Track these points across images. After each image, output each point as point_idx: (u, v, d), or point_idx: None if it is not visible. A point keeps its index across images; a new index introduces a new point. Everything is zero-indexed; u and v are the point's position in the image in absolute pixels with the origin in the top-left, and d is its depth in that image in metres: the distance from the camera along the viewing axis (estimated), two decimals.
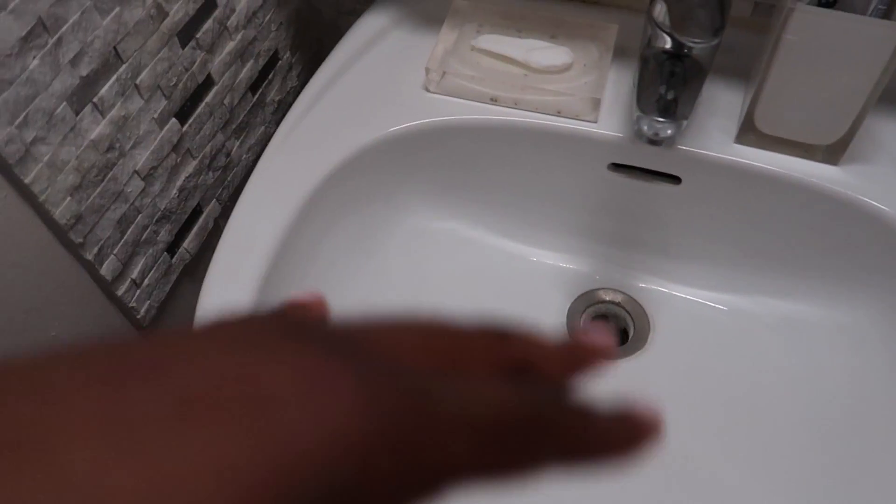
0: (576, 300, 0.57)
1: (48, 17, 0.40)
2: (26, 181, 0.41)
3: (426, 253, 0.57)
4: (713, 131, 0.50)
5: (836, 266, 0.50)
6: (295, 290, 0.48)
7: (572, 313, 0.56)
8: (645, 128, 0.42)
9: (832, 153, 0.47)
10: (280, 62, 0.64)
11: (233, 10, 0.55)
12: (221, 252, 0.47)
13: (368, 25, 0.58)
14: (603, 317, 0.57)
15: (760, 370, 0.52)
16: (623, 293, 0.56)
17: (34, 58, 0.39)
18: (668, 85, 0.42)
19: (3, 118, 0.38)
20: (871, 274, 0.49)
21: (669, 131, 0.42)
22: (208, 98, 0.55)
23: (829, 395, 0.50)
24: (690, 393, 0.52)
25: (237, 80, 0.58)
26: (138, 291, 0.53)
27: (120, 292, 0.51)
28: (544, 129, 0.52)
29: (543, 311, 0.56)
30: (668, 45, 0.43)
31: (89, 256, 0.47)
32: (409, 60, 0.55)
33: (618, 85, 0.52)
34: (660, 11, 0.44)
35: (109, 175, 0.47)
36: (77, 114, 0.43)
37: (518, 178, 0.55)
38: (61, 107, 0.42)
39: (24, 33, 0.38)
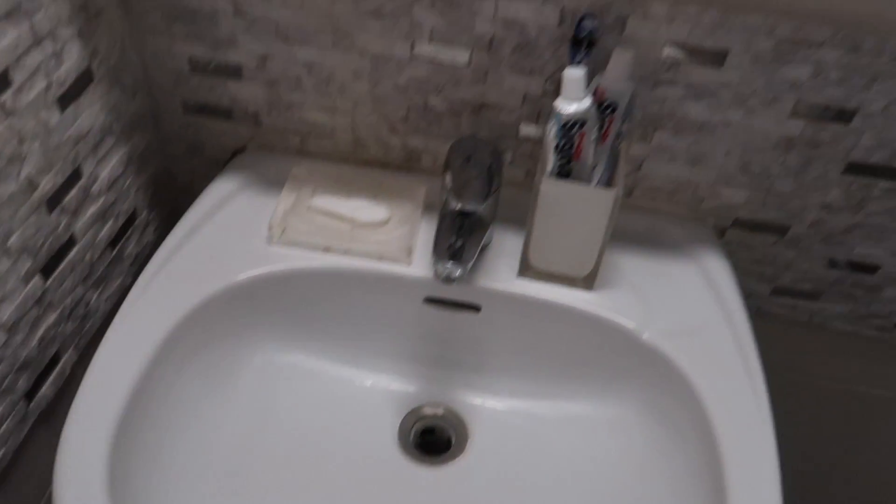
0: (405, 417, 0.66)
1: None
2: None
3: (272, 385, 0.65)
4: (502, 269, 0.63)
5: (602, 371, 0.64)
6: (150, 431, 0.54)
7: (403, 429, 0.65)
8: (439, 269, 0.54)
9: (587, 282, 0.62)
10: (138, 220, 0.72)
11: (96, 178, 0.64)
12: (81, 399, 0.52)
13: (219, 189, 0.68)
14: (430, 430, 0.66)
15: (556, 463, 0.63)
16: (445, 407, 0.66)
17: None
18: (456, 235, 0.55)
19: None
20: (627, 376, 0.62)
21: (458, 272, 0.54)
22: (71, 255, 0.62)
23: (609, 476, 0.61)
24: (503, 489, 0.61)
25: (98, 238, 0.65)
26: None
27: None
28: (369, 272, 0.63)
29: (377, 430, 0.64)
30: (457, 205, 0.56)
31: None
32: (254, 219, 0.65)
33: (428, 234, 0.65)
34: (449, 180, 0.57)
35: None
36: None
37: (351, 314, 0.65)
38: None
39: None
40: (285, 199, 0.66)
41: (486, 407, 0.66)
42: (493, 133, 0.66)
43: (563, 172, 0.57)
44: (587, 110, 0.53)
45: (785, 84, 0.58)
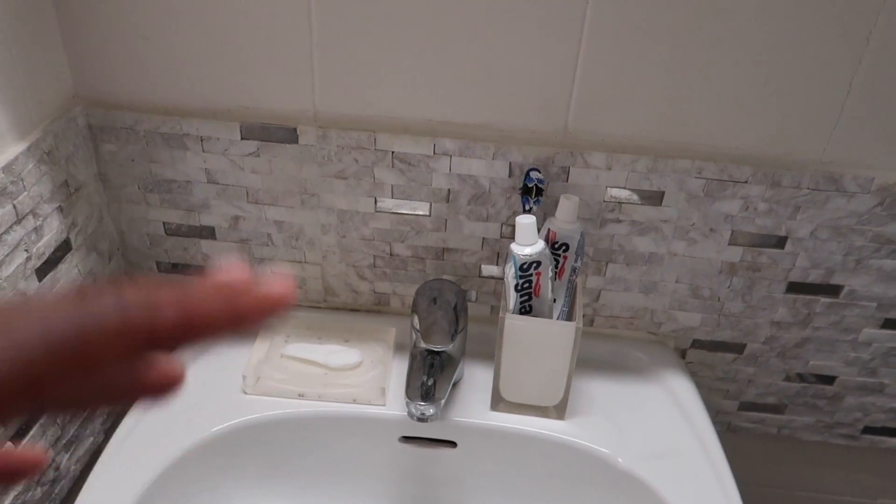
0: None
1: None
2: None
3: None
4: (474, 403, 0.65)
5: (581, 498, 0.64)
6: None
7: None
8: (412, 409, 0.56)
9: (559, 411, 0.64)
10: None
11: None
12: None
13: None
14: None
15: None
16: None
17: None
18: (427, 375, 0.57)
19: None
20: (605, 502, 0.63)
21: (431, 410, 0.56)
22: (42, 418, 0.62)
23: None
24: None
25: None
26: None
27: None
28: (344, 415, 0.64)
29: None
30: (427, 345, 0.59)
31: None
32: (228, 370, 0.66)
33: (400, 374, 0.67)
34: (417, 322, 0.60)
35: None
36: None
37: (326, 458, 0.65)
38: None
39: None
40: (258, 349, 0.68)
41: None
42: (457, 274, 0.69)
43: (525, 309, 0.60)
44: (541, 252, 0.57)
45: (720, 217, 0.63)
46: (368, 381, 0.65)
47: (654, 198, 0.63)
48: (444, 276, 0.69)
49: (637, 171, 0.61)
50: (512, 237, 0.64)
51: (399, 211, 0.66)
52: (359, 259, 0.70)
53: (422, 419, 0.55)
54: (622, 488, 0.61)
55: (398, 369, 0.67)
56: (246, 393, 0.64)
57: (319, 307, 0.73)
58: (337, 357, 0.66)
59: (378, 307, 0.73)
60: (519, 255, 0.57)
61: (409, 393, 0.56)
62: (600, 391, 0.67)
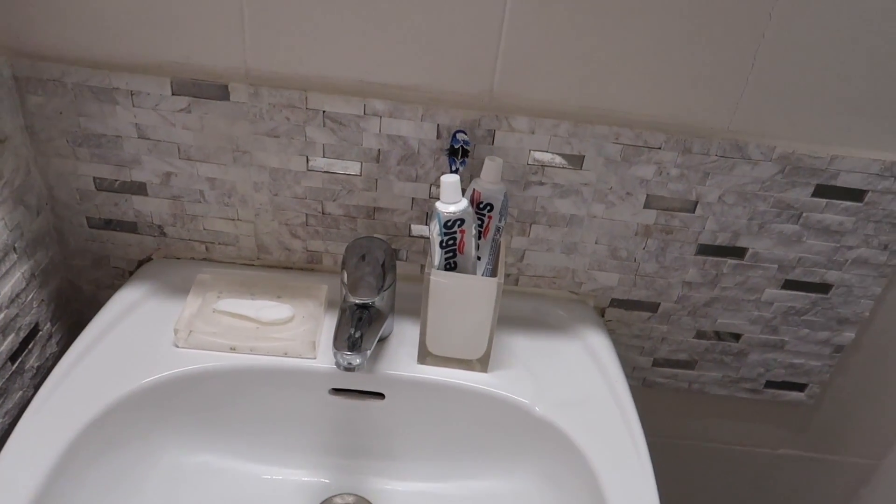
0: None
1: None
2: None
3: (181, 487, 0.65)
4: (402, 356, 0.67)
5: (502, 448, 0.68)
6: None
7: None
8: (339, 359, 0.58)
9: (482, 364, 0.67)
10: (40, 333, 0.72)
11: None
12: None
13: (124, 297, 0.70)
14: None
15: None
16: (355, 495, 0.68)
17: None
18: (355, 327, 0.60)
19: None
20: (525, 450, 0.67)
21: (358, 360, 0.58)
22: None
23: None
24: None
25: None
26: None
27: None
28: (275, 368, 0.65)
29: None
30: (353, 299, 0.61)
31: None
32: (160, 324, 0.67)
33: (331, 329, 0.69)
34: (346, 277, 0.62)
35: None
36: None
37: (258, 410, 0.67)
38: None
39: None
40: (191, 304, 0.69)
41: (397, 491, 0.69)
42: (388, 233, 0.71)
43: (450, 266, 0.63)
44: (464, 210, 0.60)
45: (635, 181, 0.67)
46: (300, 335, 0.67)
47: (575, 161, 0.66)
48: (375, 235, 0.71)
49: (559, 135, 0.64)
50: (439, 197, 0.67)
51: (331, 170, 0.68)
52: (291, 217, 0.71)
53: (349, 369, 0.58)
54: (539, 434, 0.65)
55: (329, 324, 0.69)
56: (178, 346, 0.65)
57: (252, 265, 0.75)
58: (269, 312, 0.68)
59: (311, 265, 0.75)
60: (443, 212, 0.59)
61: (337, 343, 0.58)
62: (522, 346, 0.70)
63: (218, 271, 0.73)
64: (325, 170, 0.68)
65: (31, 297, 0.70)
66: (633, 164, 0.66)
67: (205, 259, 0.75)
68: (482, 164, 0.63)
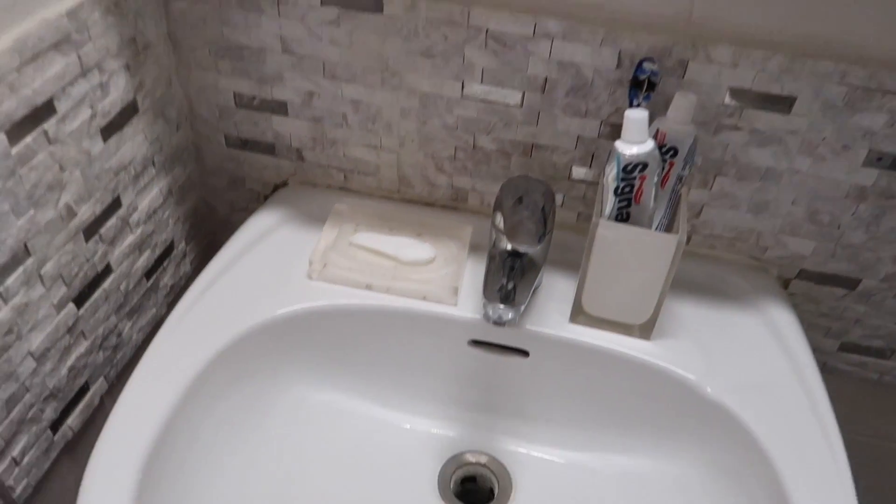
0: (445, 463, 0.62)
1: None
2: None
3: (306, 425, 0.62)
4: (552, 313, 0.60)
5: (659, 426, 0.60)
6: (178, 466, 0.51)
7: (443, 475, 0.61)
8: (490, 312, 0.51)
9: (644, 331, 0.58)
10: (175, 251, 0.70)
11: (135, 209, 0.62)
12: (109, 430, 0.50)
13: (258, 222, 0.66)
14: (471, 478, 0.62)
15: None
16: (488, 455, 0.63)
17: None
18: (507, 277, 0.52)
19: None
20: (687, 432, 0.58)
21: (510, 315, 0.51)
22: (105, 284, 0.60)
23: None
24: None
25: (134, 268, 0.64)
26: (17, 470, 0.53)
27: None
28: (412, 312, 0.60)
29: (416, 476, 0.61)
30: (508, 246, 0.54)
31: None
32: (294, 254, 0.63)
33: (474, 275, 0.62)
34: (500, 220, 0.55)
35: (4, 357, 0.50)
36: None
37: (391, 355, 0.62)
38: None
39: None
40: (326, 235, 0.64)
41: (533, 456, 0.63)
42: (545, 174, 0.63)
43: (621, 216, 0.54)
44: (649, 153, 0.51)
45: (857, 132, 0.55)
46: (440, 278, 0.61)
47: (783, 104, 0.55)
48: (532, 176, 0.63)
49: (767, 70, 0.53)
50: (611, 137, 0.58)
51: (488, 98, 0.60)
52: (439, 149, 0.64)
53: (499, 323, 0.51)
54: (706, 417, 0.56)
55: (472, 270, 0.63)
56: (311, 279, 0.61)
57: (392, 198, 0.69)
58: (409, 251, 0.62)
59: (454, 203, 0.68)
60: (624, 154, 0.50)
61: (488, 294, 0.51)
62: (691, 315, 0.61)
63: (355, 202, 0.68)
64: (481, 98, 0.60)
65: (167, 214, 0.67)
66: (859, 111, 0.53)
67: (342, 189, 0.70)
68: (667, 101, 0.53)
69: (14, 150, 0.47)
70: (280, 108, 0.65)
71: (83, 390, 0.60)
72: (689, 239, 0.65)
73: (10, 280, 0.49)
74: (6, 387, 0.51)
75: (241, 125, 0.67)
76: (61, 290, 0.55)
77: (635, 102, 0.54)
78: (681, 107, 0.53)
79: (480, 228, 0.65)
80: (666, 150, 0.54)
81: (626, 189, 0.52)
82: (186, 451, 0.53)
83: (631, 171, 0.51)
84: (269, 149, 0.68)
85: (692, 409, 0.57)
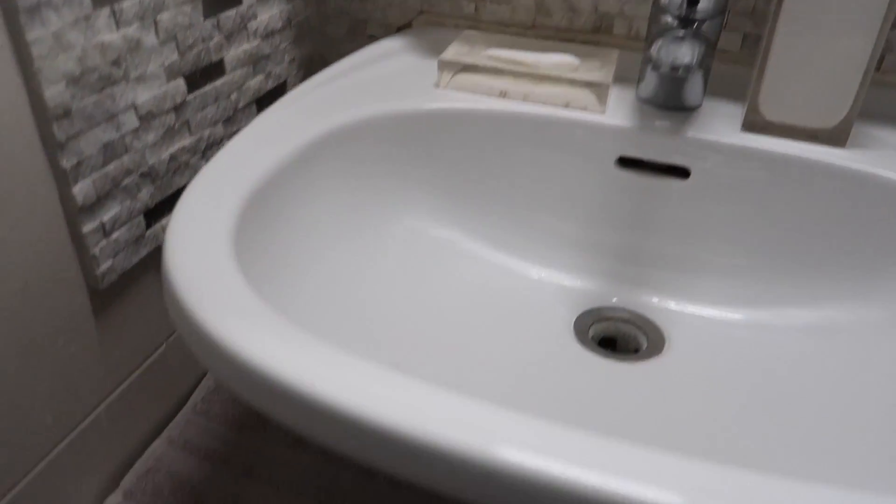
0: (580, 316, 0.52)
1: None
2: (28, 38, 0.39)
3: (424, 254, 0.53)
4: (720, 119, 0.51)
5: (859, 254, 0.48)
6: (273, 249, 0.43)
7: (579, 331, 0.51)
8: (662, 54, 0.43)
9: (837, 136, 0.48)
10: (286, 93, 0.65)
11: (255, 16, 0.58)
12: (201, 179, 0.42)
13: (378, 48, 0.61)
14: (611, 339, 0.52)
15: (790, 380, 0.46)
16: (630, 311, 0.52)
17: None
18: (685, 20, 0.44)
19: None
20: None
21: (687, 58, 0.43)
22: (217, 83, 0.55)
23: (867, 393, 0.44)
24: (716, 391, 0.45)
25: (245, 85, 0.59)
26: (104, 242, 0.47)
27: (85, 229, 0.45)
28: (553, 119, 0.52)
29: (547, 327, 0.51)
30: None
31: (65, 164, 0.43)
32: (418, 71, 0.57)
33: (621, 92, 0.54)
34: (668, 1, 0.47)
35: (108, 91, 0.45)
36: (94, 6, 0.43)
37: (523, 179, 0.54)
38: None
39: None
40: (456, 48, 0.57)
41: (687, 313, 0.52)
42: None
43: None
44: None
45: None
46: (586, 84, 0.53)
47: None
48: None
49: None
50: None
51: None
52: None
53: (675, 68, 0.42)
54: None
55: (619, 92, 0.55)
56: (438, 87, 0.54)
57: (526, 34, 0.62)
58: (550, 59, 0.55)
59: (597, 36, 0.61)
60: None
61: (658, 28, 0.43)
62: (890, 134, 0.50)
63: (487, 33, 0.61)
64: None
65: (283, 46, 0.63)
66: None
67: (472, 20, 0.63)
68: None
69: None
70: None
71: (179, 193, 0.54)
72: (879, 64, 0.54)
73: (127, 3, 0.45)
74: (105, 128, 0.45)
75: None
76: (173, 56, 0.50)
77: None
78: None
79: (627, 61, 0.58)
80: None
81: None
82: (279, 220, 0.45)
83: None
84: None
85: None
